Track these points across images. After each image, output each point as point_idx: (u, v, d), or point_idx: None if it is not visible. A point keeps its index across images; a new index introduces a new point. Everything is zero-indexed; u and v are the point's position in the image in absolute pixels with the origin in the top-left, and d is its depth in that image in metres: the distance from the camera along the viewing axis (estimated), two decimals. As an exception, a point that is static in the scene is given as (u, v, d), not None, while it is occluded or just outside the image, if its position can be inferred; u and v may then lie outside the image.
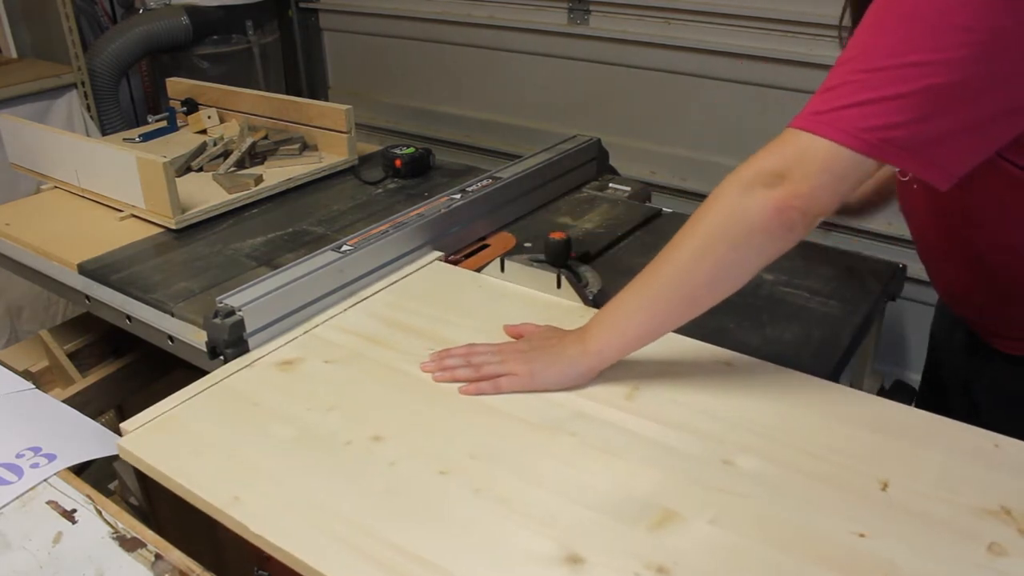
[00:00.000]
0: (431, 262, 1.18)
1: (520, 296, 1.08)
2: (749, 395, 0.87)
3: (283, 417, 0.84)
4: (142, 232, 1.31)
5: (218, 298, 0.97)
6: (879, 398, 0.88)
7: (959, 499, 0.71)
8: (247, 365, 0.94)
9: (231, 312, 0.94)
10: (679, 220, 1.38)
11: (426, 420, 0.84)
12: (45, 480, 0.83)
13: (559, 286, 1.08)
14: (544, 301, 1.07)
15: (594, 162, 1.59)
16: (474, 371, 0.88)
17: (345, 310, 1.05)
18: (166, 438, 0.82)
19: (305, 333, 1.00)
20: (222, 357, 0.95)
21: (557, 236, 1.08)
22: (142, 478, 1.70)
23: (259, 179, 1.50)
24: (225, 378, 0.91)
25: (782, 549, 0.67)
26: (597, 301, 1.05)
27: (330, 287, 1.06)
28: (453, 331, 0.99)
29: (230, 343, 0.94)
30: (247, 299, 0.96)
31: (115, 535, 0.76)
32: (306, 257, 1.09)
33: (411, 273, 1.15)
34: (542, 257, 1.10)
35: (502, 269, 1.13)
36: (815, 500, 0.72)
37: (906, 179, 0.90)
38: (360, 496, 0.73)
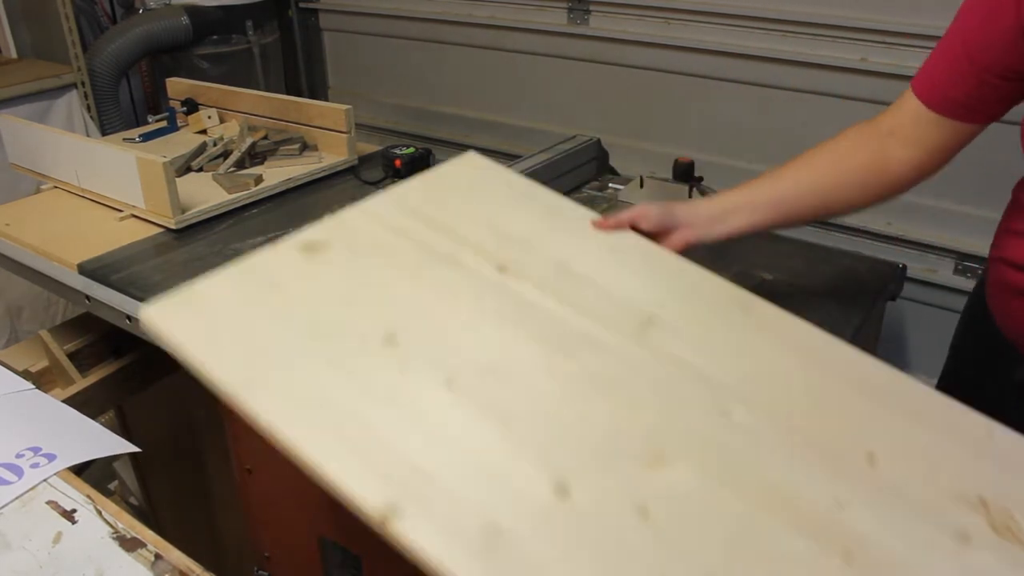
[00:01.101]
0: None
1: (549, 195, 1.03)
2: (762, 345, 0.84)
3: (302, 304, 0.80)
4: (142, 232, 1.31)
5: (218, 298, 0.96)
6: (895, 370, 0.84)
7: (940, 482, 0.70)
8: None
9: (231, 312, 0.94)
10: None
11: (441, 326, 0.80)
12: (45, 480, 0.83)
13: (690, 195, 1.34)
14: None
15: (594, 162, 1.59)
16: None
17: (377, 199, 0.97)
18: (187, 312, 0.78)
19: (334, 217, 0.93)
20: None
21: (684, 160, 1.38)
22: (142, 478, 1.70)
23: (259, 179, 1.50)
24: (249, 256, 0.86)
25: (759, 507, 0.66)
26: None
27: (330, 287, 1.06)
28: (485, 235, 0.93)
29: (230, 343, 0.94)
30: (247, 299, 0.96)
31: (115, 535, 0.76)
32: (306, 257, 1.09)
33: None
34: (670, 178, 1.38)
35: (641, 186, 1.39)
36: (801, 463, 0.71)
37: None
38: (368, 399, 0.70)
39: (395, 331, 0.78)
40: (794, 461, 0.71)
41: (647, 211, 0.95)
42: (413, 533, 0.62)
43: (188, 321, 0.76)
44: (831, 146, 0.98)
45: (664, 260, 0.97)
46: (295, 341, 0.76)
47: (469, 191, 1.01)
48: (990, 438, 0.77)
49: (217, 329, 0.76)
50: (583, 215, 0.99)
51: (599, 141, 1.59)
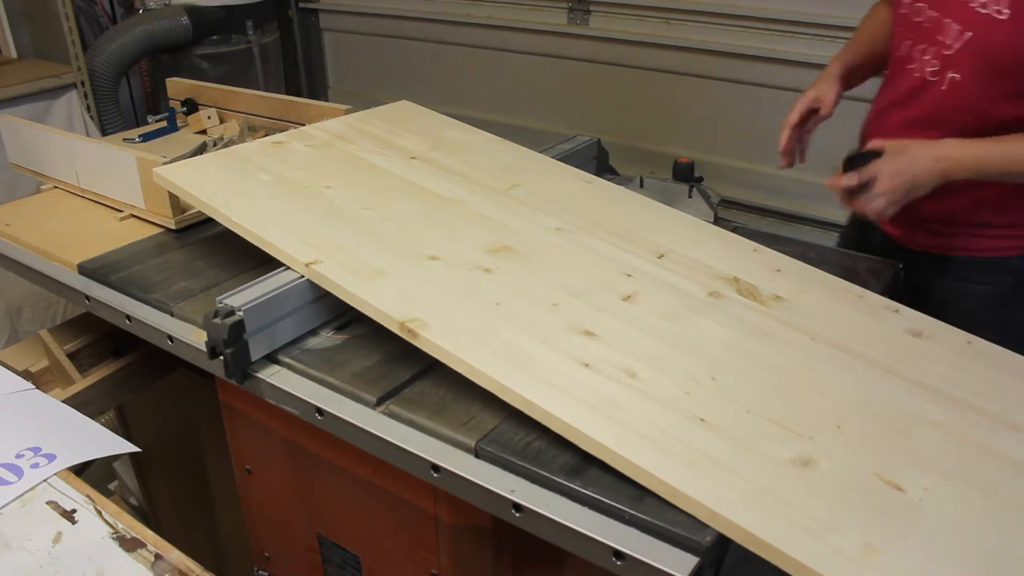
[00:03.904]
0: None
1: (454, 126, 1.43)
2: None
3: (267, 170, 1.22)
4: (142, 232, 1.31)
5: (218, 298, 0.97)
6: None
7: (716, 267, 1.06)
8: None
9: (231, 312, 0.94)
10: (679, 220, 1.39)
11: (362, 179, 1.22)
12: (45, 480, 0.83)
13: (690, 196, 1.35)
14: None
15: (594, 162, 1.59)
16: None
17: (329, 120, 1.42)
18: (187, 169, 1.20)
19: (295, 128, 1.39)
20: (222, 357, 0.95)
21: (684, 160, 1.40)
22: (142, 478, 1.69)
23: (259, 179, 1.50)
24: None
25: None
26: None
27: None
28: (407, 141, 1.35)
29: (230, 343, 0.94)
30: (247, 299, 0.96)
31: (115, 535, 0.76)
32: (306, 257, 1.10)
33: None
34: (670, 178, 1.39)
35: (641, 186, 1.41)
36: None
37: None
38: (319, 218, 1.10)
39: (331, 186, 1.19)
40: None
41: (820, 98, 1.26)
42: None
43: (188, 174, 1.20)
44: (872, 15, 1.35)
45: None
46: (259, 187, 1.17)
47: (401, 119, 1.44)
48: (755, 250, 1.13)
49: (207, 177, 1.19)
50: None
51: (599, 141, 1.59)
